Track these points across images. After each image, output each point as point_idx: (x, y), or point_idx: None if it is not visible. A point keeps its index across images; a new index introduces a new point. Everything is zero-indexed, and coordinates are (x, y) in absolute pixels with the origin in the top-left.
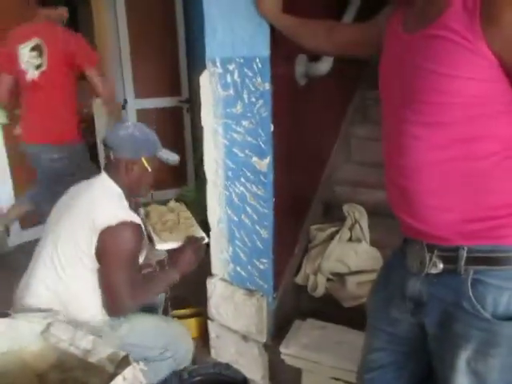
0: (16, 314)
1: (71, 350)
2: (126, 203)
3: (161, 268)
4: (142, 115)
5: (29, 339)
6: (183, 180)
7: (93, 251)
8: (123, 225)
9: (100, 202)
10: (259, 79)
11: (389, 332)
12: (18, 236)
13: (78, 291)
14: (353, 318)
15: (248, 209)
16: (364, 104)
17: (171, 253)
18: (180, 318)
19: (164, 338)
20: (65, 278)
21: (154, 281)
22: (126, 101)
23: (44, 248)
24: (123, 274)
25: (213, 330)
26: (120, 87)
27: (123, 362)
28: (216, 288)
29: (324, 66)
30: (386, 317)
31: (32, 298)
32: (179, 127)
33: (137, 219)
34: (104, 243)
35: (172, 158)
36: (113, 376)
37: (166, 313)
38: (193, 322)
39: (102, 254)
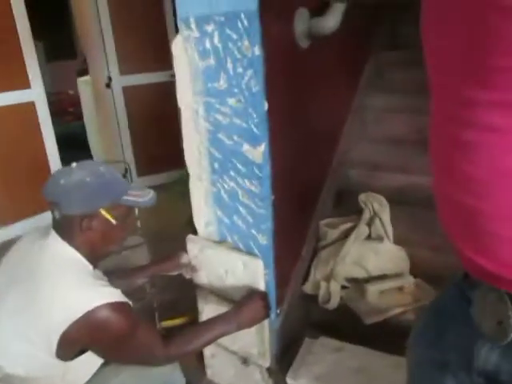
0: None
1: None
2: (89, 273)
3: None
4: (129, 93)
5: None
6: (180, 162)
7: (53, 352)
8: (93, 313)
9: (54, 287)
10: (246, 42)
11: None
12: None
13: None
14: (375, 335)
15: (241, 209)
16: (380, 69)
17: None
18: (170, 330)
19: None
20: None
21: (201, 331)
22: (110, 78)
23: None
24: (134, 351)
25: (207, 348)
26: (103, 64)
27: None
28: (208, 302)
29: (330, 21)
30: None
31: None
32: (171, 104)
33: (110, 295)
34: (80, 340)
35: (144, 199)
36: None
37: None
38: None
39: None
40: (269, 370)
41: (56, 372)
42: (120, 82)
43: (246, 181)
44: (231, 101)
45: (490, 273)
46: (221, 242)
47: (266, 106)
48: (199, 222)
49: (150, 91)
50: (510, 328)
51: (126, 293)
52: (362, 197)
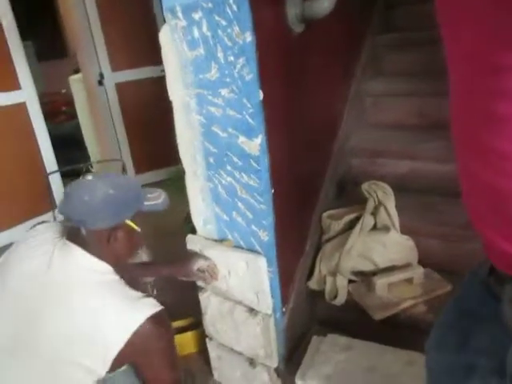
0: None
1: None
2: (123, 285)
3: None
4: (122, 89)
5: None
6: (175, 158)
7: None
8: (142, 329)
9: (102, 311)
10: (237, 28)
11: None
12: None
13: None
14: (386, 330)
15: (240, 205)
16: (377, 52)
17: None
18: (175, 331)
19: None
20: None
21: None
22: (102, 75)
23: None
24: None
25: (212, 349)
26: (94, 61)
27: None
28: (211, 303)
29: (324, 4)
30: None
31: None
32: (165, 98)
33: (153, 307)
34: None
35: (160, 201)
36: None
37: None
38: (189, 336)
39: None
40: (277, 370)
41: None
42: (112, 78)
43: (243, 175)
44: (224, 91)
45: None
46: (221, 240)
47: (260, 95)
48: (197, 219)
49: (144, 87)
50: None
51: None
52: (365, 185)
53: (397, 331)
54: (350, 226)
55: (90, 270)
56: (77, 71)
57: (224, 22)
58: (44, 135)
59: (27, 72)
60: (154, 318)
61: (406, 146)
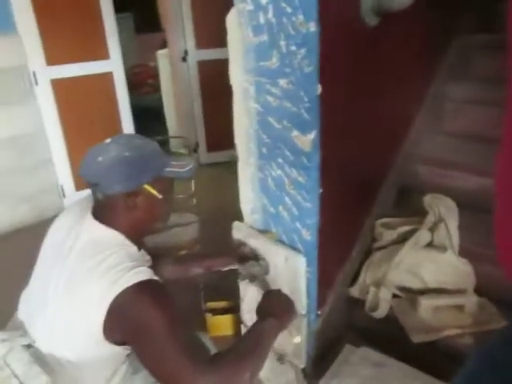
0: None
1: None
2: (133, 252)
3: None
4: (203, 67)
5: None
6: None
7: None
8: (131, 291)
9: (91, 270)
10: (301, 17)
11: None
12: (72, 198)
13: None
14: (424, 354)
15: (287, 199)
16: (466, 54)
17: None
18: (214, 311)
19: None
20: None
21: (247, 343)
22: (186, 52)
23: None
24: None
25: None
26: (181, 37)
27: None
28: (248, 291)
29: None
30: None
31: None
32: None
33: (139, 275)
34: (121, 324)
35: (185, 169)
36: None
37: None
38: (228, 319)
39: (126, 336)
40: (304, 371)
41: (104, 371)
42: (195, 55)
43: (293, 170)
44: (282, 81)
45: None
46: (265, 231)
47: (318, 89)
48: (245, 207)
49: (224, 66)
50: None
51: (179, 280)
52: (427, 198)
53: (435, 358)
54: (404, 237)
55: (96, 238)
56: (164, 45)
57: (289, 9)
58: (125, 105)
59: (117, 43)
60: (139, 286)
61: (481, 161)
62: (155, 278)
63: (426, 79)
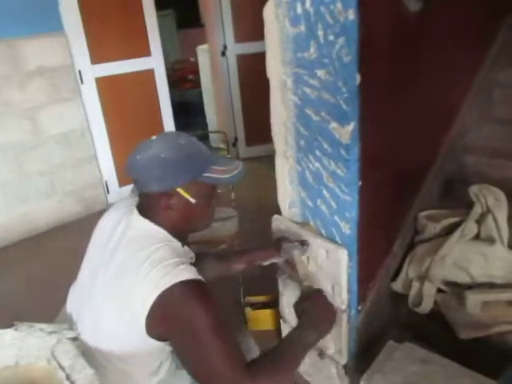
0: (21, 326)
1: None
2: (177, 247)
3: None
4: (242, 61)
5: (36, 355)
6: None
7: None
8: (178, 288)
9: (136, 271)
10: (339, 5)
11: None
12: (116, 193)
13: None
14: (473, 351)
15: (325, 192)
16: None
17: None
18: (254, 306)
19: None
20: None
21: (286, 352)
22: (225, 46)
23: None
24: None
25: (285, 331)
26: (220, 32)
27: None
28: (287, 286)
29: None
30: None
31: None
32: None
33: (185, 273)
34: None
35: (228, 175)
36: None
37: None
38: (267, 313)
39: (168, 332)
40: (345, 367)
41: (149, 365)
42: (234, 49)
43: (331, 162)
44: (320, 72)
45: None
46: (304, 224)
47: (358, 79)
48: (283, 201)
49: (263, 60)
50: None
51: (222, 277)
52: (474, 188)
53: (484, 355)
54: (449, 230)
55: (141, 232)
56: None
57: None
58: (166, 101)
59: (158, 40)
60: (186, 285)
61: None
62: (200, 277)
63: (475, 64)
